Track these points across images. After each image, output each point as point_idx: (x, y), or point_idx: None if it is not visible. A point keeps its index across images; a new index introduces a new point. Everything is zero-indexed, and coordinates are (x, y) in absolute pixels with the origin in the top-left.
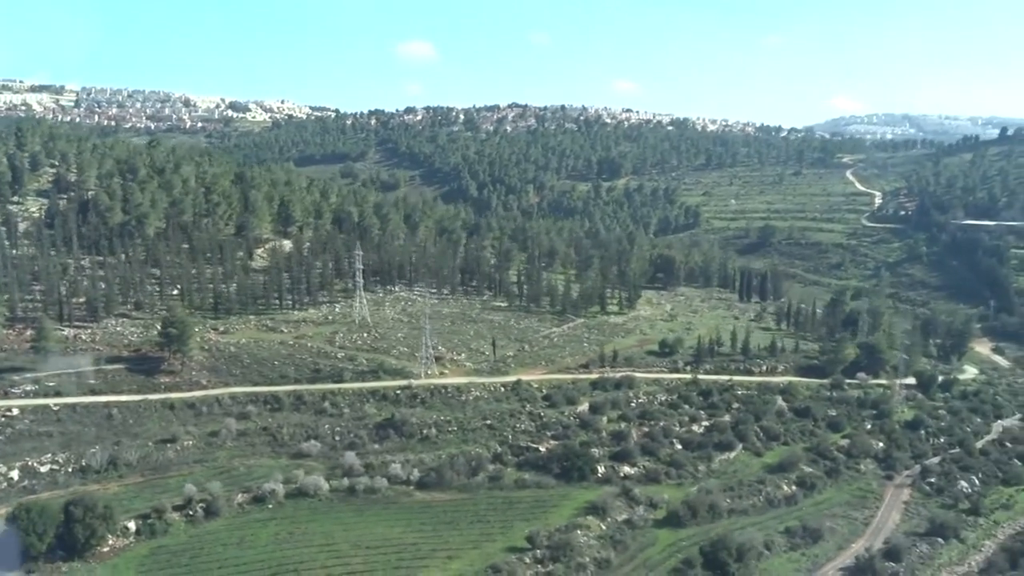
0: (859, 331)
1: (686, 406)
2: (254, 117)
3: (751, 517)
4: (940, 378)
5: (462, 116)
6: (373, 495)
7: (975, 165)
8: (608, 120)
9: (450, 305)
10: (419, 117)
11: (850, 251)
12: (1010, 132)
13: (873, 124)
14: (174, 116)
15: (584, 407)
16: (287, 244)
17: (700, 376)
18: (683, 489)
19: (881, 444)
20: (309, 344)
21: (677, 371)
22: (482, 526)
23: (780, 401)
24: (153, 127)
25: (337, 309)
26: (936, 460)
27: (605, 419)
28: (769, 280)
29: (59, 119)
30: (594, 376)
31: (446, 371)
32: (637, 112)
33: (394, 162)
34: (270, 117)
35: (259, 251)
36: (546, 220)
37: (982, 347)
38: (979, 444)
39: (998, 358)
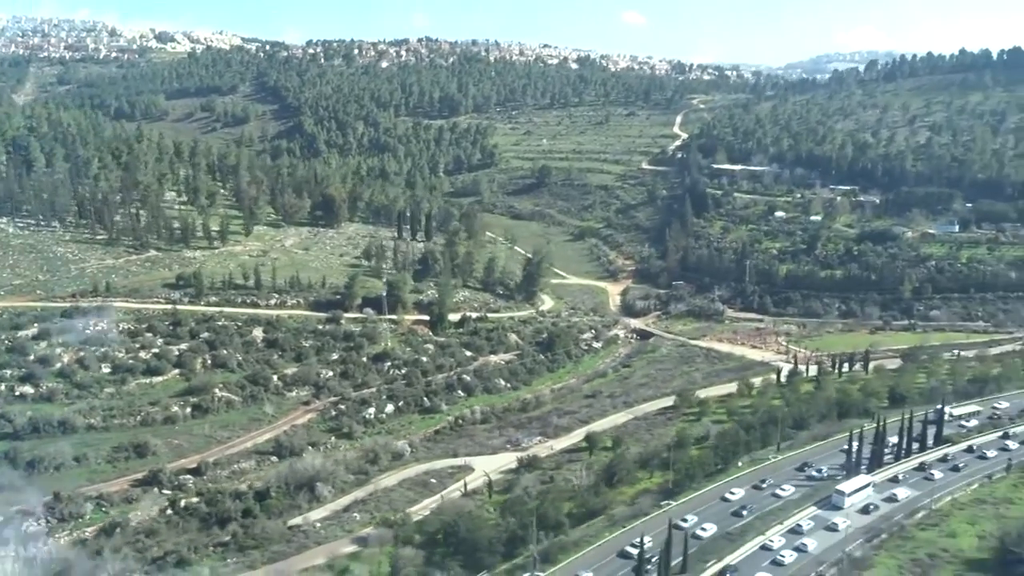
0: (432, 270)
1: (149, 334)
2: (174, 48)
3: (111, 433)
4: (462, 316)
5: (355, 50)
6: None
7: (775, 109)
8: (513, 57)
9: (39, 237)
10: (318, 51)
11: (608, 193)
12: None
13: (854, 62)
14: (91, 46)
15: (31, 332)
16: None
17: (190, 307)
18: (66, 407)
19: (331, 373)
20: None
21: (174, 302)
22: None
23: (258, 332)
24: (68, 57)
25: None
26: (371, 390)
27: (44, 344)
28: (440, 219)
29: None
30: (67, 305)
31: None
32: (555, 47)
33: (260, 96)
34: (192, 48)
35: None
36: (359, 157)
37: (617, 287)
38: (438, 377)
39: (617, 299)
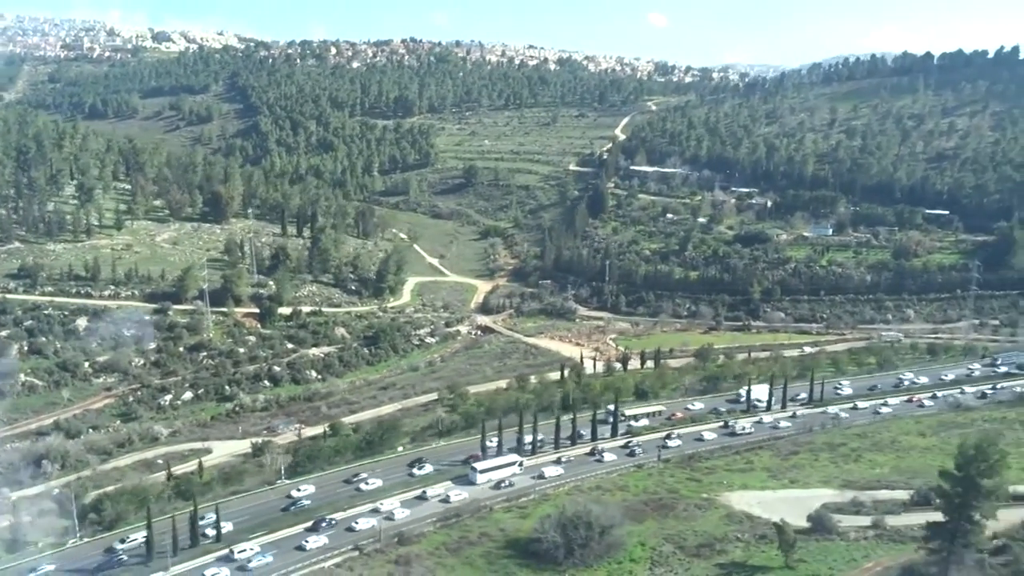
0: (284, 265)
1: None
2: (168, 48)
3: None
4: (293, 310)
5: (331, 50)
6: None
7: (709, 112)
8: (490, 58)
9: None
10: (295, 51)
11: (527, 193)
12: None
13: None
14: (87, 45)
15: None
16: None
17: (23, 296)
18: None
19: (143, 362)
20: None
21: (4, 291)
22: None
23: (82, 321)
24: (63, 56)
25: None
26: (177, 379)
27: None
28: (338, 217)
29: None
30: None
31: None
32: (540, 48)
33: (229, 96)
34: (186, 47)
35: None
36: (304, 156)
37: (489, 285)
38: (249, 367)
39: (482, 297)
